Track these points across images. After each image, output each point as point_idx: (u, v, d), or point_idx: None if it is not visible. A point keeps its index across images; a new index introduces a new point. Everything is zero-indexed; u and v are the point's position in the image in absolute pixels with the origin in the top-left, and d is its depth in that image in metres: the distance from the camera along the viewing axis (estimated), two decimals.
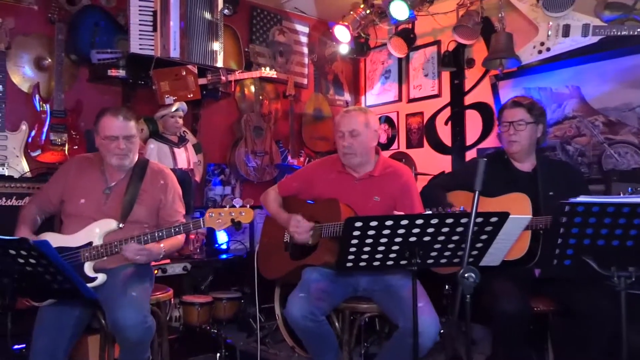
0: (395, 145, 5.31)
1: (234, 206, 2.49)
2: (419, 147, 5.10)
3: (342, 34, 4.23)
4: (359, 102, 5.71)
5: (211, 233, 4.40)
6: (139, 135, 2.76)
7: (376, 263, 2.07)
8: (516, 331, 2.42)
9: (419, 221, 1.88)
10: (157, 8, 3.70)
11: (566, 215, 1.99)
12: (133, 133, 2.68)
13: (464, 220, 1.90)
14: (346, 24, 4.15)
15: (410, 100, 5.19)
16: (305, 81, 5.27)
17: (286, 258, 2.83)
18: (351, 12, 4.14)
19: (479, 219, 1.90)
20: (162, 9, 3.70)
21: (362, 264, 2.06)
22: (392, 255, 2.04)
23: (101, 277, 2.55)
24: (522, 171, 2.82)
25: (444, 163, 4.78)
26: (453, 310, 3.73)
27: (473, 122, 4.64)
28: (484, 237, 1.99)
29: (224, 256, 4.26)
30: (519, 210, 2.59)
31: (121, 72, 3.82)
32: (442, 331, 2.94)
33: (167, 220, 2.76)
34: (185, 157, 4.06)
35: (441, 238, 1.97)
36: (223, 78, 3.77)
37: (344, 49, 4.61)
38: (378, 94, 5.52)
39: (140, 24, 3.75)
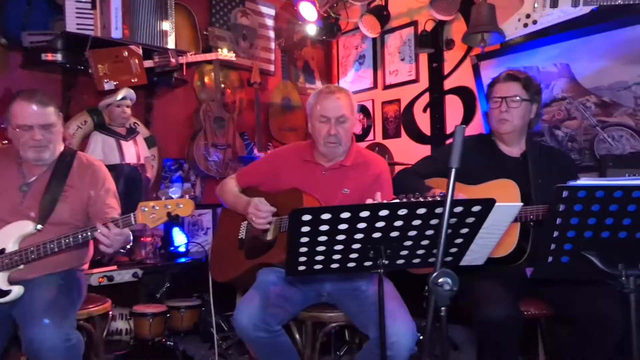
0: (371, 136, 4.94)
1: (170, 197, 2.09)
2: (396, 137, 4.73)
3: (309, 12, 3.85)
4: None
5: (167, 235, 3.98)
6: (60, 123, 2.34)
7: (334, 265, 1.69)
8: (505, 340, 2.05)
9: (384, 212, 1.50)
10: None
11: (564, 202, 1.63)
12: (52, 121, 2.27)
13: (439, 210, 1.52)
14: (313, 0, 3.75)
15: (386, 87, 4.82)
16: (272, 68, 4.87)
17: (240, 257, 2.44)
18: None
19: (458, 208, 1.53)
20: None
21: (318, 267, 1.68)
22: (353, 256, 1.66)
23: (16, 291, 2.16)
24: (509, 156, 2.46)
25: (423, 154, 4.34)
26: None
27: (454, 109, 4.29)
28: (464, 230, 1.61)
29: (182, 260, 3.85)
30: (506, 199, 2.22)
31: (58, 57, 3.39)
32: (420, 337, 2.58)
33: (99, 219, 2.34)
34: (135, 151, 3.64)
35: (412, 233, 1.60)
36: (173, 60, 3.35)
37: (311, 29, 4.22)
38: (352, 81, 5.14)
39: (77, 1, 3.33)
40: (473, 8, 3.29)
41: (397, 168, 3.64)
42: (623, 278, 1.64)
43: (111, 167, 3.51)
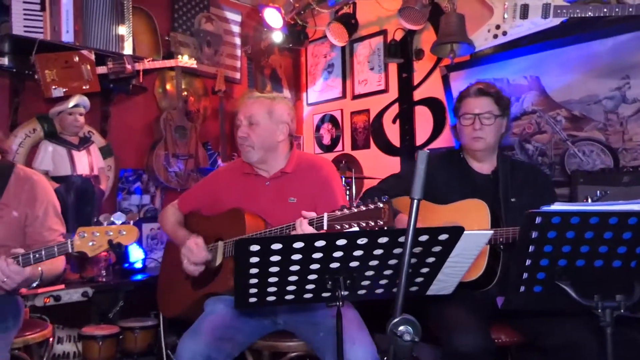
0: (339, 147, 4.81)
1: (112, 223, 1.89)
2: (365, 149, 4.61)
3: (274, 19, 3.71)
4: (300, 99, 5.18)
5: (123, 250, 3.75)
6: None
7: (289, 297, 1.53)
8: None
9: (341, 242, 1.35)
10: None
11: (537, 228, 1.51)
12: None
13: (402, 239, 1.38)
14: (277, 6, 3.61)
15: (355, 97, 4.70)
16: (237, 75, 4.69)
17: (187, 289, 2.26)
18: None
19: (424, 237, 1.39)
20: None
21: (270, 298, 1.52)
22: (310, 287, 1.51)
23: None
24: (479, 173, 2.35)
25: (392, 165, 4.30)
26: None
27: (423, 120, 4.19)
28: (430, 259, 1.48)
29: (139, 277, 3.62)
30: (475, 220, 2.11)
31: (4, 60, 3.16)
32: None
33: (38, 241, 2.13)
34: (88, 161, 3.42)
35: (374, 263, 1.45)
36: (128, 67, 3.15)
37: (277, 36, 4.07)
38: (321, 90, 5.00)
39: (24, 1, 3.12)
40: (442, 18, 3.19)
41: (367, 183, 3.52)
42: (599, 310, 1.54)
43: (61, 179, 3.31)
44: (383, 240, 1.37)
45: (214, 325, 1.95)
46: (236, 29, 4.69)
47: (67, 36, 3.11)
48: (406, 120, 4.27)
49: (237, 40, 4.70)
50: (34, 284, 1.97)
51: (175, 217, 2.36)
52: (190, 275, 2.15)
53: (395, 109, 4.38)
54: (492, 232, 1.49)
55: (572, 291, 1.56)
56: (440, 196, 2.28)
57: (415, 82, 4.21)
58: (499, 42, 3.02)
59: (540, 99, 3.41)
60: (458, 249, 1.46)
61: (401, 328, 0.96)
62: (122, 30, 3.33)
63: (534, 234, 1.52)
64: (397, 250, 1.42)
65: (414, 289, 1.60)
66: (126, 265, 3.67)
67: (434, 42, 3.20)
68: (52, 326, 3.05)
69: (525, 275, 1.60)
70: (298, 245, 1.33)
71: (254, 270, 1.40)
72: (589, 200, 2.58)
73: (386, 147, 4.43)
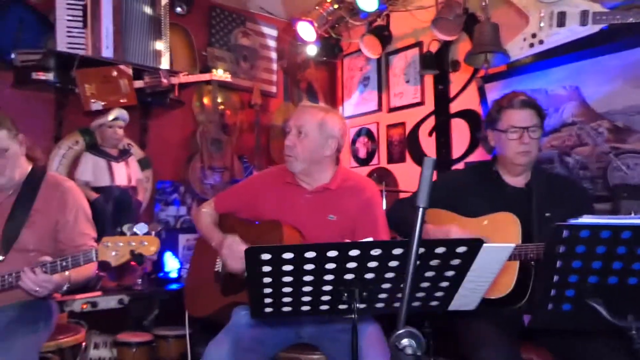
0: (375, 160, 4.76)
1: (135, 233, 1.92)
2: (400, 162, 4.55)
3: (307, 32, 3.73)
4: None
5: (159, 260, 3.84)
6: (16, 145, 2.17)
7: (305, 308, 1.51)
8: None
9: (354, 252, 1.33)
10: (87, 1, 3.20)
11: (565, 243, 1.44)
12: (3, 146, 2.10)
13: (420, 251, 1.34)
14: (310, 20, 3.63)
15: (391, 110, 4.66)
16: (274, 89, 4.75)
17: (216, 292, 2.26)
18: (316, 7, 3.63)
19: (440, 249, 1.34)
20: (93, 2, 3.21)
21: (286, 309, 1.50)
22: (325, 298, 1.48)
23: None
24: (512, 186, 2.25)
25: None
26: (434, 350, 3.20)
27: (460, 133, 4.10)
28: (450, 273, 1.43)
29: (174, 286, 3.68)
30: (504, 234, 2.03)
31: (48, 76, 3.31)
32: None
33: (69, 246, 2.20)
34: (126, 172, 3.53)
35: (390, 275, 1.42)
36: (164, 81, 3.24)
37: (311, 50, 4.10)
38: (356, 103, 4.99)
39: (68, 19, 3.28)
40: (476, 27, 3.13)
41: (402, 197, 3.46)
42: (633, 332, 1.44)
43: (101, 189, 3.43)
44: (397, 251, 1.33)
45: (239, 336, 1.94)
46: (272, 43, 4.76)
47: (107, 52, 3.23)
48: (442, 133, 4.20)
49: (273, 55, 4.76)
50: (64, 288, 2.02)
51: (211, 218, 2.31)
52: (236, 272, 2.11)
53: (431, 122, 4.31)
54: (513, 245, 1.42)
55: (604, 310, 1.47)
56: (471, 210, 2.21)
57: (452, 94, 4.14)
58: (535, 52, 2.92)
59: (580, 110, 3.27)
60: (478, 263, 1.40)
61: (404, 341, 0.93)
62: (160, 45, 3.43)
63: (562, 249, 1.45)
64: None
65: (434, 303, 1.55)
66: (161, 274, 3.74)
67: (467, 52, 3.14)
68: (86, 331, 3.16)
69: (552, 292, 1.52)
70: (310, 254, 1.31)
71: (267, 280, 1.39)
72: (633, 214, 2.45)
73: (422, 161, 4.34)
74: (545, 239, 1.99)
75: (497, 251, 1.40)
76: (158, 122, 4.07)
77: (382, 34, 3.83)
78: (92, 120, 3.51)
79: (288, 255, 1.31)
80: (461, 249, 1.35)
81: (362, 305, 1.49)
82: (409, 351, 0.91)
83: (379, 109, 4.76)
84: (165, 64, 3.48)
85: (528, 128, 2.15)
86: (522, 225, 2.04)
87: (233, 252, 2.06)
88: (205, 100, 4.34)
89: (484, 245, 1.34)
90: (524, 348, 1.96)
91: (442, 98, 4.19)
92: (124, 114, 3.48)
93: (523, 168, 2.22)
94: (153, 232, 1.93)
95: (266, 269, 1.35)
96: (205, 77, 3.57)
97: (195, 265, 2.49)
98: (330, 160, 2.19)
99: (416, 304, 1.54)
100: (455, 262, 1.39)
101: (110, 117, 3.41)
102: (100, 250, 1.92)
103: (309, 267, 1.35)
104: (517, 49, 2.96)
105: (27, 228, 2.14)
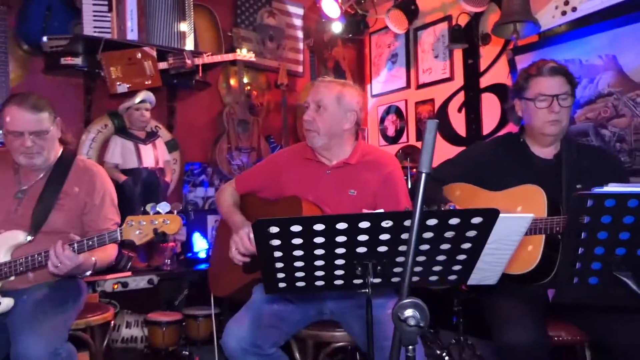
0: (404, 138, 4.69)
1: (158, 212, 1.94)
2: None
3: (331, 8, 3.67)
4: (365, 91, 5.11)
5: (188, 239, 3.89)
6: (55, 128, 2.23)
7: (319, 283, 1.49)
8: None
9: (364, 224, 1.29)
10: None
11: (589, 212, 1.37)
12: (44, 128, 2.15)
13: (431, 222, 1.30)
14: None
15: (420, 86, 4.56)
16: (300, 69, 4.70)
17: (238, 271, 2.26)
18: None
19: (454, 220, 1.30)
20: None
21: (300, 284, 1.49)
22: (339, 272, 1.45)
23: (5, 303, 2.08)
24: (541, 158, 2.17)
25: None
26: (463, 329, 3.15)
27: (490, 108, 3.98)
28: (466, 245, 1.38)
29: (203, 267, 3.73)
30: (530, 207, 1.96)
31: (77, 60, 3.35)
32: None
33: (93, 229, 2.25)
34: (153, 155, 3.56)
35: (403, 248, 1.38)
36: (188, 62, 3.24)
37: (336, 27, 4.04)
38: (385, 81, 4.90)
39: (94, 4, 3.31)
40: None
41: None
42: None
43: (129, 171, 3.48)
44: (409, 223, 1.29)
45: (260, 313, 1.94)
46: (298, 22, 4.70)
47: (132, 34, 3.25)
48: (472, 108, 4.08)
49: (300, 34, 4.71)
50: (87, 273, 2.06)
51: (232, 199, 2.31)
52: (235, 262, 2.15)
53: (460, 98, 4.20)
54: (532, 215, 1.35)
55: (633, 283, 1.40)
56: (497, 183, 2.14)
57: (482, 69, 4.01)
58: (568, 20, 2.80)
59: (617, 80, 3.10)
60: (496, 235, 1.34)
61: (407, 312, 0.89)
62: (184, 26, 3.43)
63: (586, 219, 1.38)
64: (427, 235, 1.33)
65: (452, 277, 1.50)
66: (190, 255, 3.79)
67: (495, 23, 3.02)
68: (118, 311, 3.24)
69: (578, 265, 1.46)
70: (319, 227, 1.28)
71: (278, 254, 1.37)
72: None
73: (452, 137, 4.25)
74: (568, 209, 1.91)
75: (515, 221, 1.34)
76: (185, 104, 4.10)
77: (409, 8, 3.73)
78: (119, 103, 3.56)
79: (296, 228, 1.28)
80: (476, 220, 1.30)
81: (377, 280, 1.45)
82: (411, 322, 0.88)
83: (408, 86, 4.67)
84: (189, 45, 3.48)
85: (558, 96, 2.05)
86: (551, 198, 1.96)
87: (242, 244, 2.06)
88: (232, 82, 4.34)
89: (501, 215, 1.28)
90: (552, 325, 1.89)
91: (472, 73, 4.07)
92: (150, 96, 3.51)
93: (552, 138, 2.13)
94: (175, 211, 1.94)
95: (275, 242, 1.33)
96: (228, 57, 3.55)
97: (218, 246, 2.51)
98: (350, 135, 2.17)
99: (433, 277, 1.50)
100: (471, 233, 1.34)
101: (137, 99, 3.44)
102: (125, 230, 1.95)
103: (319, 240, 1.33)
104: (549, 17, 2.84)
105: (56, 210, 2.20)
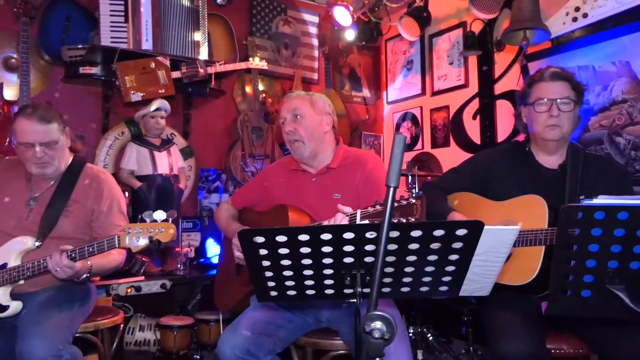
0: (419, 145, 4.66)
1: (154, 220, 1.98)
2: (444, 147, 4.43)
3: (343, 16, 3.68)
4: (381, 98, 5.11)
5: (201, 245, 3.94)
6: (64, 138, 2.30)
7: (310, 292, 1.50)
8: None
9: (348, 235, 1.30)
10: None
11: (579, 225, 1.36)
12: (53, 138, 2.23)
13: (416, 234, 1.30)
14: (346, 4, 3.58)
15: (435, 93, 4.54)
16: (315, 76, 4.73)
17: (238, 284, 2.32)
18: None
19: (439, 232, 1.30)
20: None
21: (291, 292, 1.50)
22: (329, 282, 1.46)
23: (13, 306, 2.16)
24: (546, 167, 2.15)
25: None
26: (472, 338, 3.12)
27: (505, 115, 3.93)
28: (453, 257, 1.38)
29: (215, 272, 3.77)
30: (530, 217, 1.94)
31: (94, 69, 3.45)
32: None
33: (101, 235, 2.30)
34: (168, 161, 3.63)
35: (391, 259, 1.38)
36: (201, 70, 3.30)
37: (349, 35, 4.04)
38: (400, 87, 4.90)
39: (111, 15, 3.41)
40: (514, 3, 2.97)
41: None
42: None
43: (143, 178, 3.55)
44: (394, 234, 1.30)
45: (254, 321, 1.97)
46: (313, 30, 4.74)
47: (147, 44, 3.33)
48: (487, 115, 4.04)
49: (315, 41, 4.75)
50: (83, 276, 2.11)
51: (228, 213, 2.42)
52: (241, 262, 2.19)
53: (475, 104, 4.16)
54: (518, 227, 1.34)
55: (626, 297, 1.38)
56: (501, 192, 2.13)
57: (496, 75, 3.97)
58: (579, 26, 2.76)
59: (631, 86, 3.04)
60: (483, 246, 1.34)
61: (373, 324, 0.90)
62: (198, 36, 3.50)
63: (577, 232, 1.37)
64: (412, 246, 1.33)
65: (443, 288, 1.50)
66: (203, 260, 3.85)
67: (504, 30, 2.99)
68: (128, 314, 3.30)
69: (570, 277, 1.44)
70: (304, 237, 1.30)
71: (266, 263, 1.39)
72: None
73: (466, 145, 4.22)
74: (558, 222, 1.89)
75: (501, 233, 1.33)
76: (200, 112, 4.17)
77: (421, 15, 3.72)
78: (136, 111, 3.64)
79: (281, 238, 1.30)
80: (461, 232, 1.29)
81: (368, 290, 1.47)
82: (376, 334, 0.88)
83: (423, 92, 4.65)
84: (203, 54, 3.55)
85: (557, 100, 2.03)
86: (554, 209, 1.94)
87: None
88: (247, 89, 4.40)
89: (486, 227, 1.28)
90: (553, 338, 1.87)
91: (487, 79, 4.04)
92: (165, 104, 3.58)
93: (554, 145, 2.11)
94: (170, 219, 1.98)
95: (263, 252, 1.35)
96: (241, 65, 3.60)
97: (222, 263, 2.57)
98: (330, 139, 2.23)
99: (424, 288, 1.50)
100: (458, 245, 1.33)
101: (152, 107, 3.52)
102: (122, 237, 1.99)
103: (306, 250, 1.34)
104: (560, 24, 2.81)
105: (65, 217, 2.27)
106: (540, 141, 2.13)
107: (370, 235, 1.31)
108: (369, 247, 1.34)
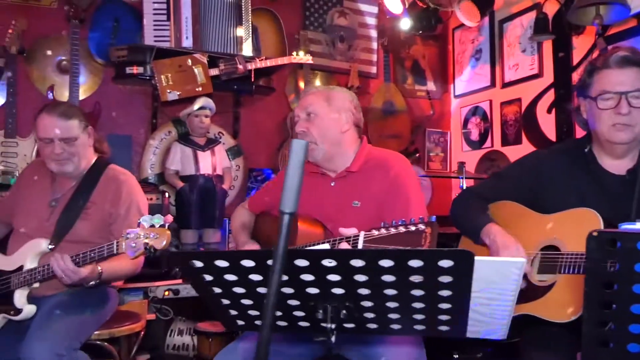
0: (488, 143, 4.22)
1: (152, 225, 1.84)
2: (516, 144, 3.97)
3: (393, 4, 3.36)
4: (448, 92, 4.70)
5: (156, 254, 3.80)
6: (85, 136, 2.24)
7: (281, 323, 1.27)
8: None
9: (301, 262, 1.05)
10: None
11: (616, 257, 1.01)
12: (73, 135, 2.18)
13: (386, 264, 1.02)
14: None
15: (505, 85, 4.08)
16: (373, 70, 4.44)
17: None
18: None
19: (416, 263, 1.01)
20: None
21: (259, 322, 1.28)
22: (299, 314, 1.22)
23: (27, 309, 2.10)
24: (611, 173, 1.73)
25: None
26: None
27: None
28: (446, 293, 1.08)
29: None
30: (580, 237, 1.54)
31: (140, 69, 3.43)
32: None
33: (118, 239, 2.22)
34: (211, 161, 3.53)
35: (365, 291, 1.11)
36: (240, 67, 3.15)
37: (405, 23, 3.71)
38: (468, 79, 4.47)
39: (154, 14, 3.38)
40: None
41: None
42: None
43: (186, 178, 3.48)
44: (358, 263, 1.03)
45: (251, 346, 1.77)
46: (372, 21, 4.44)
47: (187, 42, 3.25)
48: (563, 108, 3.54)
49: (373, 33, 4.45)
50: (92, 282, 2.02)
51: (242, 219, 2.23)
52: None
53: (550, 96, 3.67)
54: (523, 260, 1.01)
55: None
56: (552, 203, 1.74)
57: (575, 62, 3.46)
58: None
59: None
60: (481, 282, 1.03)
61: None
62: (240, 31, 3.37)
63: (616, 267, 1.02)
64: (387, 278, 1.05)
65: (444, 328, 1.20)
66: None
67: (571, 6, 2.53)
68: (171, 318, 3.24)
69: (612, 326, 1.09)
70: (248, 263, 1.06)
71: (217, 290, 1.18)
72: None
73: (540, 142, 3.74)
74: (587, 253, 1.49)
75: (500, 266, 1.01)
76: (250, 110, 4.04)
77: None
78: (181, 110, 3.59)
79: (222, 263, 1.08)
80: (446, 263, 0.99)
81: (350, 325, 1.22)
82: None
83: (492, 84, 4.20)
84: (247, 50, 3.41)
85: (627, 93, 1.61)
86: (611, 224, 1.54)
87: None
88: (302, 85, 4.21)
89: (478, 259, 0.97)
90: None
91: (563, 67, 3.54)
92: (209, 102, 3.48)
93: (623, 148, 1.69)
94: (167, 224, 1.83)
95: (208, 277, 1.14)
96: (283, 60, 3.40)
97: None
98: (350, 139, 1.94)
99: (419, 327, 1.22)
100: (446, 279, 1.03)
101: (196, 106, 3.44)
102: (120, 243, 1.88)
103: (256, 277, 1.11)
104: None
105: (82, 220, 2.20)
106: (605, 143, 1.71)
107: (329, 263, 1.04)
108: (332, 277, 1.08)
